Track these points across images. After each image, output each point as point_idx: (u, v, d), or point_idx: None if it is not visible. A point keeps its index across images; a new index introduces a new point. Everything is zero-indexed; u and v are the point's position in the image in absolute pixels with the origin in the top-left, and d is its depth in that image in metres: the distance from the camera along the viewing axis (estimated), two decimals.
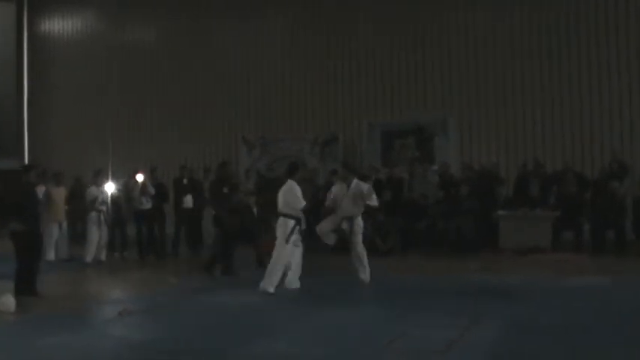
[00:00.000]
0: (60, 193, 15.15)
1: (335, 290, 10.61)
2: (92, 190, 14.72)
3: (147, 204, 15.10)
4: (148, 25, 22.15)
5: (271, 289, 10.29)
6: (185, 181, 15.85)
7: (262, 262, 13.16)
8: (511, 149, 17.84)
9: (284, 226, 10.56)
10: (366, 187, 11.23)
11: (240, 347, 7.28)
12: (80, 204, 15.23)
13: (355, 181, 11.20)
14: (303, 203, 10.54)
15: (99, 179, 14.75)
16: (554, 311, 8.90)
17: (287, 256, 10.55)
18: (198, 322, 8.77)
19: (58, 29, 23.21)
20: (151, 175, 15.80)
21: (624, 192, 14.50)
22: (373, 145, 19.16)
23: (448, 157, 18.00)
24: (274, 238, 12.24)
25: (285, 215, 10.60)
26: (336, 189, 11.40)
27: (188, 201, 15.63)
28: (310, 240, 11.41)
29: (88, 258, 14.40)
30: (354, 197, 11.03)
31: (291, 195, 10.53)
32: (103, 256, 14.81)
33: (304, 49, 19.96)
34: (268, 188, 16.92)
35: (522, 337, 7.56)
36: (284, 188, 10.71)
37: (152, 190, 15.12)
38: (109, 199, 14.80)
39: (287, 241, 10.46)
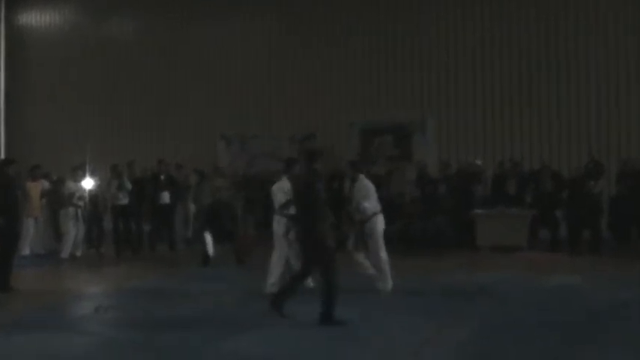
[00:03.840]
0: (36, 188, 15.03)
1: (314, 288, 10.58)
2: (70, 185, 14.64)
3: (124, 199, 15.04)
4: (126, 21, 22.03)
5: (273, 289, 9.86)
6: (162, 177, 15.79)
7: (242, 260, 13.20)
8: (489, 148, 17.92)
9: (281, 223, 10.15)
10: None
11: (214, 344, 7.29)
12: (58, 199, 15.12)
13: (362, 177, 10.52)
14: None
15: (77, 175, 14.67)
16: (530, 310, 8.97)
17: (285, 254, 10.21)
18: (175, 318, 8.75)
19: (36, 24, 23.02)
20: (128, 170, 15.76)
21: (600, 191, 14.58)
22: (351, 143, 19.16)
23: (426, 156, 18.05)
24: (251, 235, 12.33)
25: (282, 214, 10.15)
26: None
27: (165, 197, 15.57)
28: None
29: (64, 253, 14.31)
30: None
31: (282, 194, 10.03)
32: (79, 252, 14.73)
33: (283, 47, 19.91)
34: (247, 185, 17.01)
35: (497, 335, 7.61)
36: (278, 186, 10.21)
37: (129, 186, 15.06)
38: (87, 194, 14.73)
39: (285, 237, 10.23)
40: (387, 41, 19.15)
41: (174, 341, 7.45)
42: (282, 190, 9.91)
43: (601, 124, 17.27)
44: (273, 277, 10.09)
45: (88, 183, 14.82)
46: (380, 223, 10.13)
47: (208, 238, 13.06)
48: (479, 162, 16.46)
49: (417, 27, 18.91)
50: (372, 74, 19.25)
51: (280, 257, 10.18)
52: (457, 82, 18.52)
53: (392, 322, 8.13)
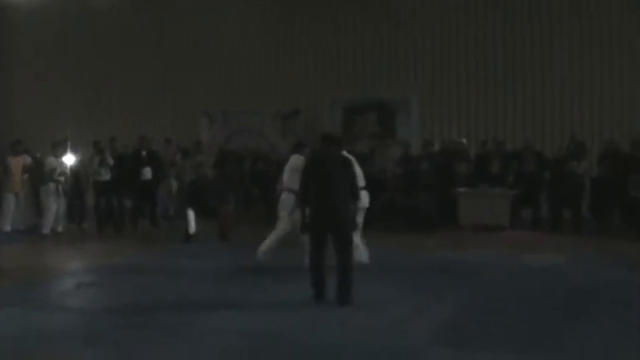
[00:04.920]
0: (17, 163, 14.87)
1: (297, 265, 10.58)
2: (50, 160, 14.52)
3: (105, 175, 14.94)
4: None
5: (268, 256, 10.38)
6: (144, 152, 15.68)
7: (224, 234, 13.20)
8: (472, 128, 17.94)
9: (288, 200, 10.36)
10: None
11: (195, 321, 7.29)
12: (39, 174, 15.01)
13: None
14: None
15: (58, 150, 14.56)
16: (514, 289, 9.04)
17: (286, 229, 10.44)
18: (157, 293, 8.77)
19: (18, 4, 22.68)
20: (110, 146, 15.66)
21: (582, 172, 14.65)
22: (334, 120, 19.13)
23: (410, 134, 18.07)
24: (232, 212, 12.25)
25: (291, 190, 10.25)
26: None
27: (147, 173, 15.48)
28: None
29: (45, 229, 14.22)
30: None
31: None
32: (61, 228, 14.64)
33: (267, 23, 19.75)
34: (227, 161, 16.95)
35: (481, 314, 7.67)
36: (292, 163, 10.40)
37: (111, 162, 14.96)
38: (68, 170, 14.63)
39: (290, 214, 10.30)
40: (371, 19, 19.04)
41: (156, 318, 7.47)
42: (297, 169, 9.78)
43: (584, 104, 17.29)
44: (265, 246, 10.44)
45: (69, 159, 14.72)
46: (365, 198, 10.10)
47: (191, 214, 13.02)
48: (463, 140, 16.47)
49: (403, 6, 18.83)
50: (356, 52, 19.17)
51: (280, 232, 10.43)
52: (442, 62, 18.45)
53: (375, 300, 8.14)
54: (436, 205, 15.05)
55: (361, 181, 9.99)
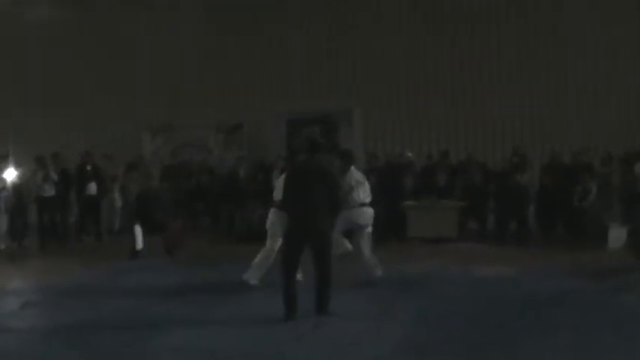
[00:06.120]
0: None
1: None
2: None
3: (49, 191, 14.65)
4: (51, 8, 21.30)
5: (255, 281, 9.73)
6: (88, 167, 15.44)
7: (171, 250, 13.02)
8: (415, 140, 18.04)
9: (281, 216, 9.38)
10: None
11: (146, 340, 7.15)
12: None
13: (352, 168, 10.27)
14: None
15: None
16: (464, 300, 9.05)
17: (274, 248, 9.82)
18: (106, 311, 8.62)
19: None
20: (53, 161, 15.34)
21: (527, 183, 14.84)
22: (278, 133, 19.07)
23: (352, 147, 18.07)
24: (180, 226, 12.04)
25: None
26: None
27: (92, 188, 15.24)
28: None
29: None
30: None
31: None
32: (2, 245, 14.29)
33: (210, 35, 19.62)
34: (173, 175, 16.78)
35: (432, 328, 7.66)
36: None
37: (55, 177, 14.68)
38: (10, 185, 14.31)
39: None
40: (313, 30, 19.08)
41: (105, 337, 7.31)
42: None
43: (525, 116, 17.56)
44: (260, 272, 9.77)
45: (10, 174, 14.41)
46: (365, 215, 10.07)
47: (138, 230, 12.81)
48: (409, 154, 16.55)
49: (344, 17, 18.87)
50: (299, 64, 19.16)
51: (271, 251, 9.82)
52: (384, 73, 18.55)
53: (329, 314, 8.01)
54: (384, 219, 15.05)
55: (367, 197, 9.97)
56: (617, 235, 13.34)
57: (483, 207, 15.22)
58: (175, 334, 7.37)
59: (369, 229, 10.08)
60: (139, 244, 12.82)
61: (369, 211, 10.09)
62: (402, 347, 6.89)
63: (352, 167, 10.18)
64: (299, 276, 8.94)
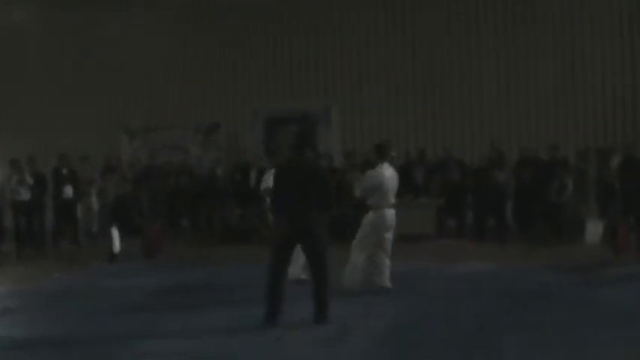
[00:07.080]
0: None
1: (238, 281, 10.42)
2: None
3: (25, 195, 14.52)
4: (28, 9, 21.13)
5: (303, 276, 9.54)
6: (65, 171, 15.31)
7: (149, 253, 12.95)
8: (393, 137, 18.01)
9: None
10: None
11: (127, 344, 7.08)
12: None
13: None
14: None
15: None
16: (447, 297, 9.10)
17: None
18: (86, 316, 8.53)
19: None
20: (29, 165, 15.19)
21: (505, 180, 14.89)
22: (256, 133, 19.05)
23: (330, 145, 18.10)
24: (158, 229, 11.95)
25: None
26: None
27: (68, 191, 15.12)
28: None
29: None
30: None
31: None
32: None
33: (188, 36, 19.55)
34: (151, 177, 16.71)
35: (415, 325, 7.65)
36: None
37: (30, 181, 14.55)
38: None
39: None
40: (290, 30, 19.06)
41: (84, 343, 7.25)
42: None
43: (502, 113, 17.63)
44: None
45: None
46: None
47: (115, 233, 12.74)
48: (393, 153, 16.51)
49: (322, 17, 18.87)
50: (277, 63, 19.13)
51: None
52: (361, 71, 18.58)
53: (307, 317, 7.81)
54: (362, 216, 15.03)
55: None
56: (594, 230, 13.45)
57: (461, 204, 15.25)
58: (155, 338, 7.32)
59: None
60: (117, 247, 12.74)
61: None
62: (382, 345, 6.90)
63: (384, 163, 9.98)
64: (303, 276, 8.93)
